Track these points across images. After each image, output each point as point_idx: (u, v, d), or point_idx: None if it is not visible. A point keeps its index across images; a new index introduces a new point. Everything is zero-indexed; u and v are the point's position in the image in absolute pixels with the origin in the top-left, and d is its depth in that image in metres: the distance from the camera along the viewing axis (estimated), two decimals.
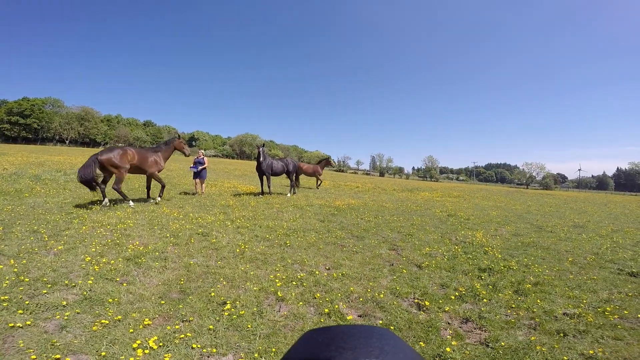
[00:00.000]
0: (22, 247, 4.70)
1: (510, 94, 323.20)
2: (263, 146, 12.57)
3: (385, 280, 4.48)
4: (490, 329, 3.22)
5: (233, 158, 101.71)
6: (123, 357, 2.47)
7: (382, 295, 3.88)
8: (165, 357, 2.50)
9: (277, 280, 4.13)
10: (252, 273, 4.35)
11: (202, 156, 12.45)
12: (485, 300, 3.91)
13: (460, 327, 3.28)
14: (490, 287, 4.33)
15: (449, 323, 3.34)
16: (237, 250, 5.33)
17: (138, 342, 2.63)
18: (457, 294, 4.05)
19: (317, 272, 4.54)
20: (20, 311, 2.97)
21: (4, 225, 5.79)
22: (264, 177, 12.89)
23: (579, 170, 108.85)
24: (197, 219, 7.38)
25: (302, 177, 21.98)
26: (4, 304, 3.06)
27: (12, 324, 2.74)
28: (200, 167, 12.09)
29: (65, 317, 2.93)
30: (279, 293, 3.75)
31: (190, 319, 3.07)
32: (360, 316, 3.41)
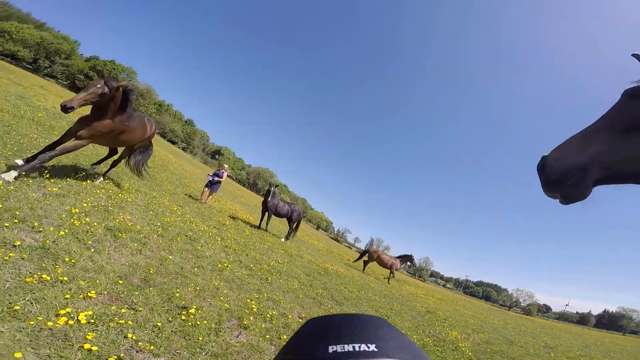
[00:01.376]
0: (20, 176, 4.57)
1: (521, 222, 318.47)
2: (276, 187, 12.91)
3: None
4: None
5: (244, 186, 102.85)
6: (40, 317, 2.12)
7: None
8: (88, 334, 2.14)
9: (246, 309, 3.73)
10: (224, 292, 3.98)
11: (224, 170, 12.60)
12: None
13: None
14: None
15: None
16: (219, 265, 4.99)
17: (68, 310, 2.28)
18: None
19: (289, 316, 4.15)
20: None
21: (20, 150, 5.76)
22: (267, 214, 12.88)
23: (566, 305, 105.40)
24: (190, 223, 7.14)
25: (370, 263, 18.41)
26: None
27: None
28: (216, 179, 12.14)
29: (6, 258, 2.59)
30: (244, 320, 3.39)
31: (140, 309, 2.71)
32: None
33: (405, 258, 17.84)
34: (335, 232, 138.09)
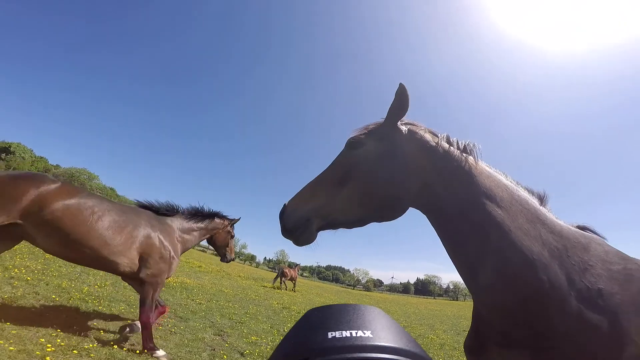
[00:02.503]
0: None
1: None
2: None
3: None
4: None
5: None
6: None
7: None
8: None
9: (48, 344, 3.01)
10: (13, 332, 3.04)
11: None
12: None
13: None
14: None
15: None
16: None
17: None
18: None
19: (114, 346, 3.57)
20: None
21: None
22: None
23: (392, 278, 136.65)
24: None
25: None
26: None
27: None
28: None
29: None
30: (47, 358, 2.72)
31: None
32: None
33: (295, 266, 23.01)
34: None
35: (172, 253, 4.04)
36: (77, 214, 3.17)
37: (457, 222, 1.17)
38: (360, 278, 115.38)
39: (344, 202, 1.22)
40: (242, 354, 4.82)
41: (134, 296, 6.51)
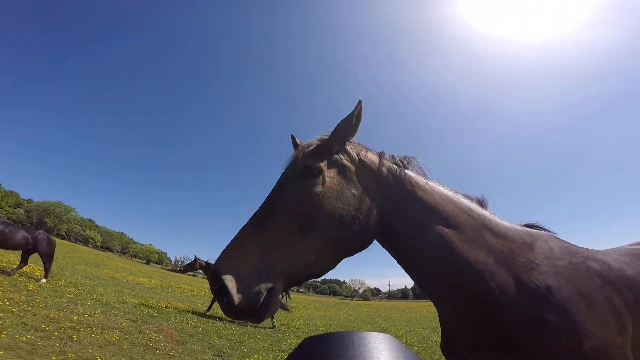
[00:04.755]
0: None
1: None
2: None
3: None
4: None
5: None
6: None
7: None
8: None
9: None
10: None
11: None
12: None
13: None
14: None
15: None
16: None
17: None
18: None
19: None
20: None
21: None
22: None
23: (389, 285, 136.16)
24: None
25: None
26: None
27: None
28: None
29: None
30: None
31: None
32: None
33: None
34: (173, 263, 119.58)
35: None
36: None
37: (410, 247, 1.13)
38: (357, 288, 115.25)
39: (313, 252, 0.99)
40: None
41: (126, 323, 6.24)
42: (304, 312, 18.40)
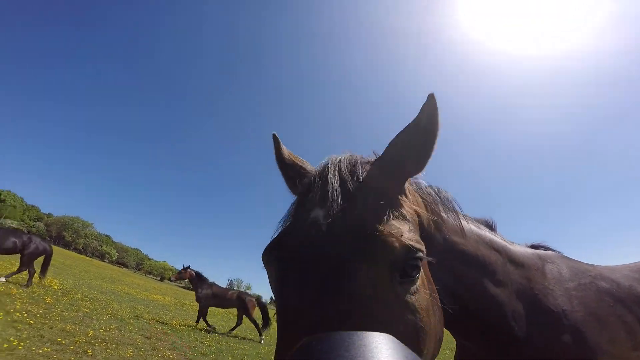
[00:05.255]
0: None
1: None
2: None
3: None
4: None
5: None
6: None
7: None
8: None
9: None
10: None
11: None
12: None
13: None
14: None
15: None
16: (5, 345, 3.44)
17: None
18: None
19: None
20: None
21: None
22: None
23: None
24: None
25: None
26: None
27: None
28: None
29: None
30: None
31: None
32: None
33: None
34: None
35: None
36: None
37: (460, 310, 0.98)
38: None
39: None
40: None
41: (141, 340, 6.10)
42: None
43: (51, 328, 5.07)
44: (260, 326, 10.28)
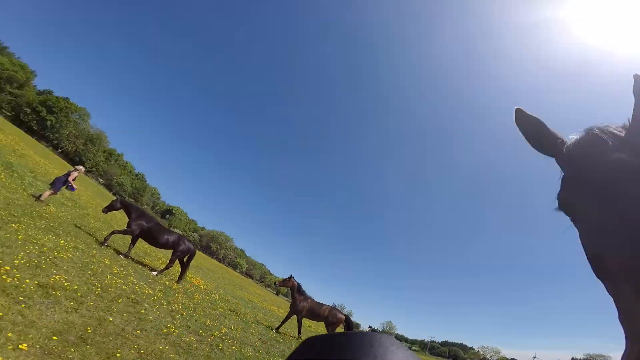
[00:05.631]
0: None
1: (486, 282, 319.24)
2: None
3: None
4: None
5: (197, 249, 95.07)
6: None
7: None
8: None
9: None
10: (170, 355, 3.63)
11: (75, 170, 10.73)
12: None
13: None
14: None
15: None
16: (164, 330, 4.55)
17: None
18: None
19: None
20: None
21: None
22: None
23: (534, 357, 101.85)
24: (134, 285, 6.49)
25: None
26: None
27: None
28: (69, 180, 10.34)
29: None
30: None
31: None
32: None
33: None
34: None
35: None
36: None
37: None
38: (488, 357, 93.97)
39: None
40: None
41: (259, 343, 6.91)
42: None
43: (196, 321, 6.34)
44: None
